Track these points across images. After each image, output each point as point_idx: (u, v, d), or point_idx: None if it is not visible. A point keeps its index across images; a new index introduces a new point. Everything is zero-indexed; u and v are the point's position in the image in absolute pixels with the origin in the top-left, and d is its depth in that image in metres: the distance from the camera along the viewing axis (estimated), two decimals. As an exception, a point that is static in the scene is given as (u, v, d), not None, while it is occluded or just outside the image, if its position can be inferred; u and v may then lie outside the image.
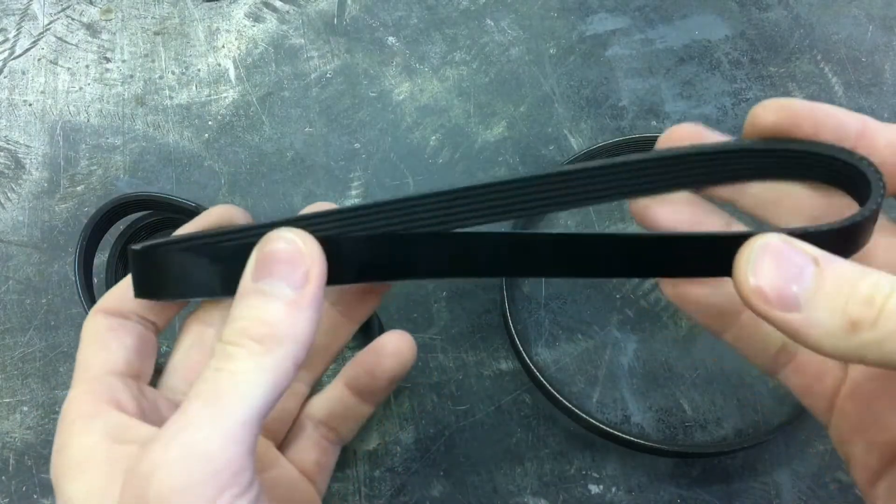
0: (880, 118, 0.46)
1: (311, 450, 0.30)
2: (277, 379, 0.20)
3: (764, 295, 0.18)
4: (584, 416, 0.35)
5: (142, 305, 0.25)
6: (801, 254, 0.19)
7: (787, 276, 0.18)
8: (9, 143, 0.44)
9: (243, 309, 0.21)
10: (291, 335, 0.21)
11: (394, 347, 0.30)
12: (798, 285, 0.18)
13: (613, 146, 0.42)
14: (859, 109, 0.45)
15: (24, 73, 0.46)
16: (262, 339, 0.20)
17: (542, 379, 0.36)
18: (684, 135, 0.25)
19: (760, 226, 0.23)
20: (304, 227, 0.22)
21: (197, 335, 0.26)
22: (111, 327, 0.25)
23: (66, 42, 0.47)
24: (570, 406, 0.35)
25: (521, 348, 0.37)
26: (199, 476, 0.19)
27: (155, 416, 0.24)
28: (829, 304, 0.18)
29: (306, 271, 0.21)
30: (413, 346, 0.30)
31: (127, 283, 0.25)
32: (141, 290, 0.24)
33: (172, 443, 0.19)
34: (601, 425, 0.35)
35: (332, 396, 0.31)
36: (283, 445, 0.30)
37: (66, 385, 0.38)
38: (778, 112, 0.22)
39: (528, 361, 0.36)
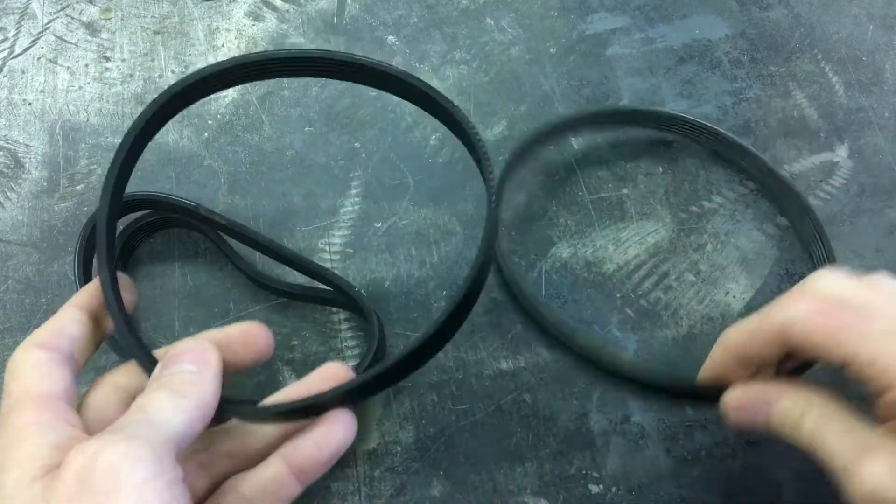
0: (881, 117, 0.46)
1: None
2: (189, 419, 0.26)
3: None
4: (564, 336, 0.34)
5: (74, 344, 0.28)
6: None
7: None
8: (8, 143, 0.44)
9: (156, 381, 0.27)
10: (199, 390, 0.27)
11: (344, 420, 0.30)
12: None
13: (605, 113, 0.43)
14: (860, 108, 0.45)
15: (23, 72, 0.46)
16: (176, 388, 0.26)
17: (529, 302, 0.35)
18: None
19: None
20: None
21: (110, 387, 0.29)
22: (51, 359, 0.27)
23: (65, 41, 0.47)
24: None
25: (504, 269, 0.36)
26: (142, 453, 0.23)
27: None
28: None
29: (205, 355, 0.28)
30: (354, 425, 0.31)
31: (61, 319, 0.28)
32: None
33: (117, 433, 0.24)
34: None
35: (266, 471, 0.30)
36: None
37: (66, 385, 0.38)
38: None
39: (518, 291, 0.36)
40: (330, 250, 0.41)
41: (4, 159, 0.43)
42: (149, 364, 0.29)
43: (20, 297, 0.39)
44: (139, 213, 0.40)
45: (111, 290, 0.29)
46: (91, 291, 0.30)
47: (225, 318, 0.39)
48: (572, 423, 0.37)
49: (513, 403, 0.37)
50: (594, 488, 0.36)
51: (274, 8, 0.48)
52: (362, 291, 0.39)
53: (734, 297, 0.40)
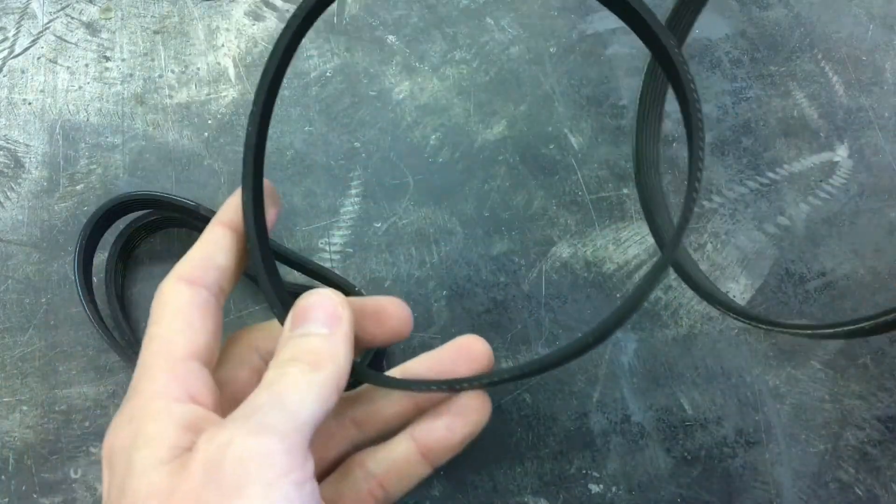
0: (881, 116, 0.46)
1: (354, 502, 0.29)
2: (324, 394, 0.23)
3: None
4: None
5: (222, 275, 0.26)
6: None
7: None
8: (8, 142, 0.44)
9: (287, 348, 0.24)
10: (333, 359, 0.24)
11: (477, 405, 0.28)
12: None
13: None
14: (860, 108, 0.45)
15: (23, 71, 0.46)
16: (309, 361, 0.24)
17: None
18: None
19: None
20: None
21: (243, 355, 0.28)
22: (195, 302, 0.25)
23: (65, 41, 0.47)
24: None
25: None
26: (273, 447, 0.21)
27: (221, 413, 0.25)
28: None
29: (337, 312, 0.25)
30: (488, 409, 0.29)
31: (208, 246, 0.26)
32: None
33: (248, 421, 0.22)
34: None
35: (395, 449, 0.29)
36: (322, 487, 0.29)
37: (66, 384, 0.38)
38: None
39: None
40: (330, 250, 0.41)
41: (4, 159, 0.43)
42: (281, 311, 0.26)
43: (20, 297, 0.39)
44: (139, 213, 0.40)
45: (252, 213, 0.26)
46: (236, 206, 0.27)
47: (225, 318, 0.39)
48: (572, 422, 0.37)
49: (513, 403, 0.37)
50: (594, 488, 0.36)
51: (274, 7, 0.48)
52: (362, 291, 0.39)
53: (734, 297, 0.40)
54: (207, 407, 0.24)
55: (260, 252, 0.26)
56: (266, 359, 0.27)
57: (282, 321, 0.26)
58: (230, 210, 0.27)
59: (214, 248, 0.26)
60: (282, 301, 0.26)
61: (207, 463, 0.21)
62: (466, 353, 0.29)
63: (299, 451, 0.22)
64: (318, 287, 0.39)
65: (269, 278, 0.26)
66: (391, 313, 0.29)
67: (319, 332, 0.25)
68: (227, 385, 0.27)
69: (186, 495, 0.21)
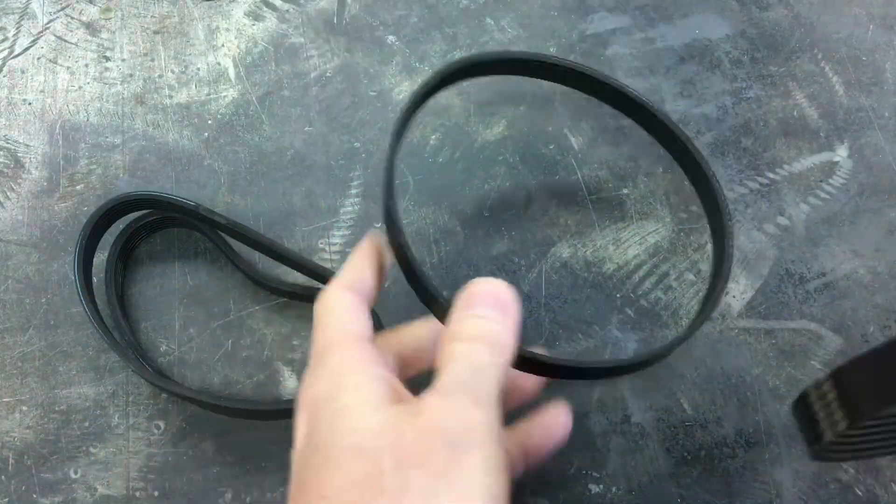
0: (881, 116, 0.46)
1: None
2: (504, 378, 0.25)
3: None
4: None
5: (371, 287, 0.29)
6: None
7: None
8: (8, 142, 0.44)
9: (467, 324, 0.26)
10: (508, 346, 0.26)
11: (561, 417, 0.32)
12: None
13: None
14: (860, 108, 0.45)
15: (23, 71, 0.46)
16: (491, 343, 0.26)
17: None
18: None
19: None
20: None
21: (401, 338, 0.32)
22: (355, 303, 0.28)
23: (65, 41, 0.47)
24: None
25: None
26: (492, 418, 0.24)
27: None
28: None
29: (507, 303, 0.27)
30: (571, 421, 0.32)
31: (361, 264, 0.29)
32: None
33: (466, 393, 0.24)
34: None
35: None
36: None
37: (66, 384, 0.38)
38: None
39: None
40: (330, 250, 0.41)
41: (4, 159, 0.43)
42: (441, 310, 0.29)
43: (20, 297, 0.39)
44: (139, 213, 0.40)
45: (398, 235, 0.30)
46: (375, 242, 0.31)
47: (225, 318, 0.39)
48: (572, 422, 0.37)
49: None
50: (594, 488, 0.36)
51: (274, 8, 0.48)
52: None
53: (734, 297, 0.40)
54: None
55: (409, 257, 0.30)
56: (397, 360, 0.30)
57: (443, 313, 0.28)
58: (371, 246, 0.31)
59: (365, 266, 0.30)
60: (435, 294, 0.30)
61: (434, 421, 0.23)
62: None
63: (499, 423, 0.25)
64: (317, 286, 0.39)
65: (424, 277, 0.30)
66: (555, 423, 0.32)
67: (494, 315, 0.26)
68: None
69: (416, 441, 0.23)
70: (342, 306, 0.28)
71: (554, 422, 0.32)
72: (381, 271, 0.31)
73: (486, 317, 0.26)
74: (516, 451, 0.31)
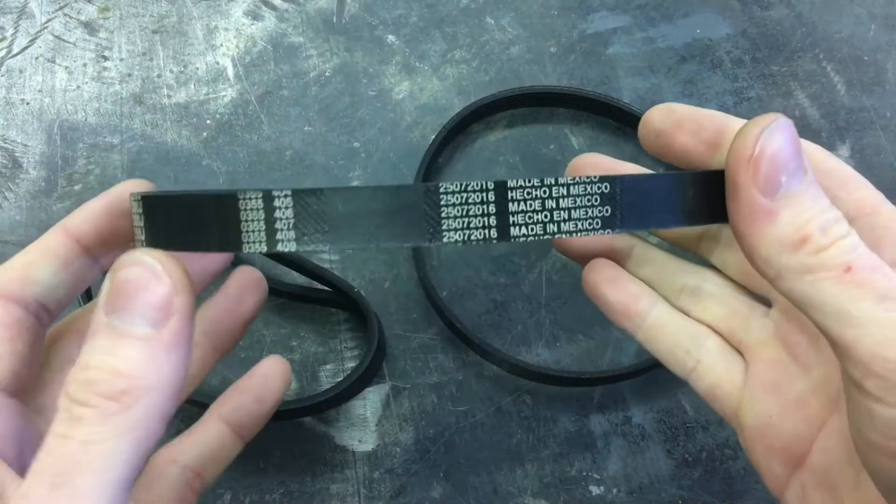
0: (883, 116, 0.46)
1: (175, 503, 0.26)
2: (140, 441, 0.17)
3: (758, 165, 0.18)
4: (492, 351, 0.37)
5: (46, 290, 0.21)
6: (803, 155, 0.18)
7: (785, 162, 0.18)
8: (6, 142, 0.43)
9: (93, 352, 0.17)
10: (154, 385, 0.17)
11: (279, 369, 0.29)
12: (787, 177, 0.18)
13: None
14: (862, 108, 0.45)
15: (21, 71, 0.46)
16: (116, 395, 0.16)
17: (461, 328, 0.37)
18: (589, 164, 0.26)
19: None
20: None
21: (73, 349, 0.23)
22: (4, 323, 0.20)
23: (63, 40, 0.47)
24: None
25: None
26: None
27: (34, 447, 0.19)
28: (795, 211, 0.18)
29: (168, 302, 0.17)
30: (289, 371, 0.29)
31: (35, 255, 0.21)
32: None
33: (53, 494, 0.16)
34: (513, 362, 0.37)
35: (207, 435, 0.27)
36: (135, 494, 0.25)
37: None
38: (664, 115, 0.23)
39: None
40: (329, 250, 0.41)
41: (2, 159, 0.43)
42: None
43: (18, 298, 0.39)
44: (137, 214, 0.40)
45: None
46: (90, 213, 0.22)
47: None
48: (573, 424, 0.37)
49: (513, 404, 0.37)
50: (595, 490, 0.36)
51: (273, 7, 0.48)
52: (362, 292, 0.39)
53: (735, 297, 0.40)
54: (6, 449, 0.19)
55: None
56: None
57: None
58: (81, 217, 0.22)
59: (43, 259, 0.22)
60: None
61: None
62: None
63: None
64: (317, 287, 0.39)
65: None
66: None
67: (141, 330, 0.17)
68: (55, 390, 0.22)
69: None
70: None
71: (267, 383, 0.28)
72: (84, 269, 0.22)
73: (121, 333, 0.17)
74: (227, 431, 0.27)
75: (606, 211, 0.18)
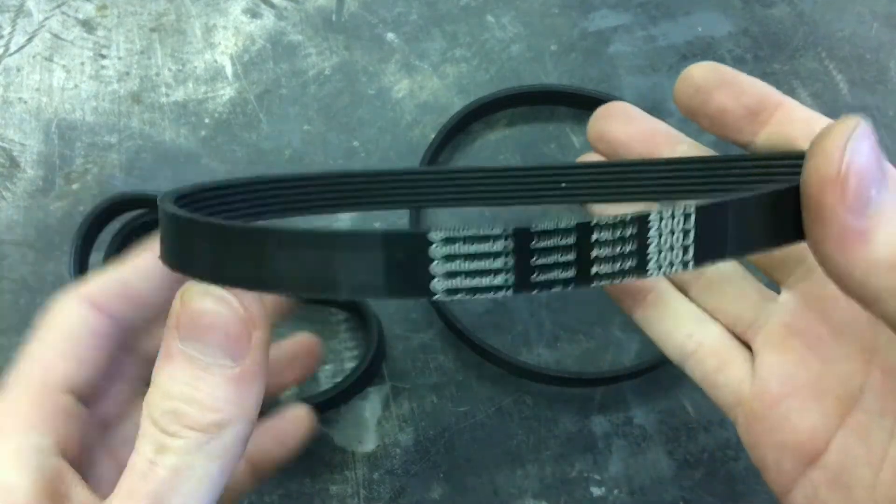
0: (885, 115, 0.46)
1: None
2: (225, 466, 0.17)
3: (846, 183, 0.16)
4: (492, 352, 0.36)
5: (142, 308, 0.21)
6: (884, 159, 0.17)
7: (874, 173, 0.16)
8: (3, 141, 0.43)
9: (173, 381, 0.17)
10: (238, 417, 0.17)
11: (301, 416, 0.29)
12: (876, 189, 0.16)
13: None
14: (864, 107, 0.45)
15: (18, 69, 0.45)
16: (205, 427, 0.17)
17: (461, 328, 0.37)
18: (615, 111, 0.26)
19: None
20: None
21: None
22: (93, 330, 0.21)
23: (61, 39, 0.46)
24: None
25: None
26: None
27: (93, 455, 0.21)
28: (891, 227, 0.16)
29: (247, 336, 0.17)
30: (313, 419, 0.29)
31: (132, 271, 0.21)
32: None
33: None
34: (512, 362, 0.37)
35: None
36: None
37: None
38: (708, 72, 0.23)
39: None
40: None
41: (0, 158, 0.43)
42: None
43: (15, 298, 0.39)
44: (135, 213, 0.39)
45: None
46: None
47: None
48: (573, 424, 0.37)
49: (513, 405, 0.37)
50: (596, 491, 0.35)
51: (272, 5, 0.48)
52: (361, 292, 0.38)
53: (737, 297, 0.40)
54: (73, 454, 0.19)
55: None
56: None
57: None
58: None
59: (142, 270, 0.22)
60: None
61: None
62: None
63: None
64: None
65: None
66: (307, 352, 0.28)
67: (221, 363, 0.17)
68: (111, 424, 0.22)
69: None
70: (65, 326, 0.20)
71: (292, 426, 0.28)
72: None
73: (203, 365, 0.17)
74: (243, 467, 0.26)
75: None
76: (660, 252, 0.15)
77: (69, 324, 0.20)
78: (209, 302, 0.17)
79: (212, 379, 0.17)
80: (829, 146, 0.16)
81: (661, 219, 0.15)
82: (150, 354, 0.23)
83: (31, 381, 0.20)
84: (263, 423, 0.28)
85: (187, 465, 0.17)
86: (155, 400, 0.17)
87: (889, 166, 0.17)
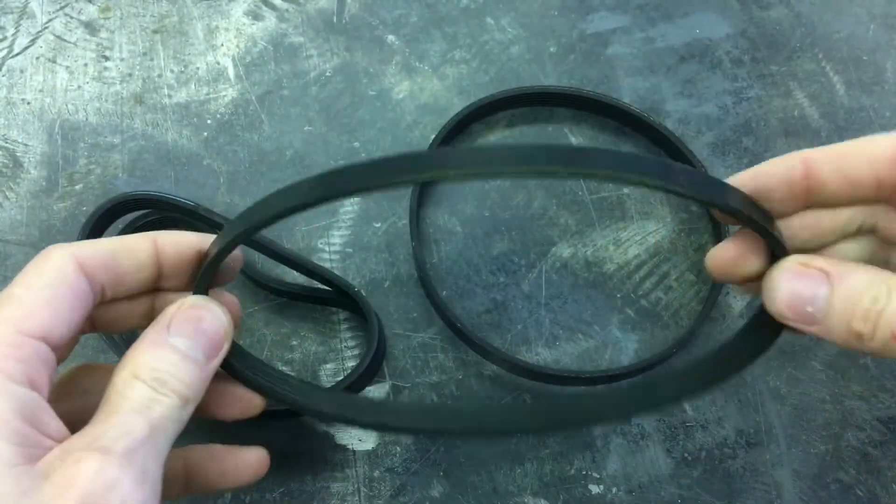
0: (882, 117, 0.46)
1: None
2: (181, 425, 0.23)
3: (784, 316, 0.22)
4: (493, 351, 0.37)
5: (122, 280, 0.24)
6: (814, 275, 0.22)
7: (801, 299, 0.22)
8: (7, 142, 0.44)
9: (160, 360, 0.23)
10: (196, 399, 0.23)
11: (257, 459, 0.29)
12: (812, 306, 0.22)
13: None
14: (861, 108, 0.45)
15: (22, 71, 0.46)
16: (183, 396, 0.23)
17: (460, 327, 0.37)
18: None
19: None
20: None
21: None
22: (75, 288, 0.22)
23: (64, 40, 0.47)
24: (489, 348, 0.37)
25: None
26: (147, 494, 0.20)
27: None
28: (838, 320, 0.21)
29: (221, 343, 0.24)
30: (265, 469, 0.29)
31: (124, 245, 0.24)
32: None
33: (123, 457, 0.20)
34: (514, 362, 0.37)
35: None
36: None
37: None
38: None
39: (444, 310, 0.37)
40: (329, 250, 0.41)
41: (3, 159, 0.43)
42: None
43: (19, 297, 0.39)
44: (138, 213, 0.40)
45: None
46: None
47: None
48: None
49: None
50: (594, 489, 0.36)
51: (273, 7, 0.48)
52: (362, 291, 0.39)
53: (734, 297, 0.40)
54: (43, 396, 0.21)
55: None
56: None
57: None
58: (171, 241, 0.26)
59: (131, 250, 0.25)
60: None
61: (68, 488, 0.19)
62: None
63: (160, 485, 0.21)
64: (317, 286, 0.39)
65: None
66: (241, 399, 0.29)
67: (196, 356, 0.23)
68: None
69: None
70: (52, 277, 0.22)
71: (243, 464, 0.28)
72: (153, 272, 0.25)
73: (184, 355, 0.23)
74: (180, 474, 0.27)
75: None
76: None
77: (55, 276, 0.22)
78: (207, 312, 0.24)
79: (188, 366, 0.23)
80: (765, 297, 0.23)
81: None
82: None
83: (11, 321, 0.21)
84: (229, 448, 0.28)
85: (170, 419, 0.22)
86: (143, 370, 0.22)
87: (822, 264, 0.22)
